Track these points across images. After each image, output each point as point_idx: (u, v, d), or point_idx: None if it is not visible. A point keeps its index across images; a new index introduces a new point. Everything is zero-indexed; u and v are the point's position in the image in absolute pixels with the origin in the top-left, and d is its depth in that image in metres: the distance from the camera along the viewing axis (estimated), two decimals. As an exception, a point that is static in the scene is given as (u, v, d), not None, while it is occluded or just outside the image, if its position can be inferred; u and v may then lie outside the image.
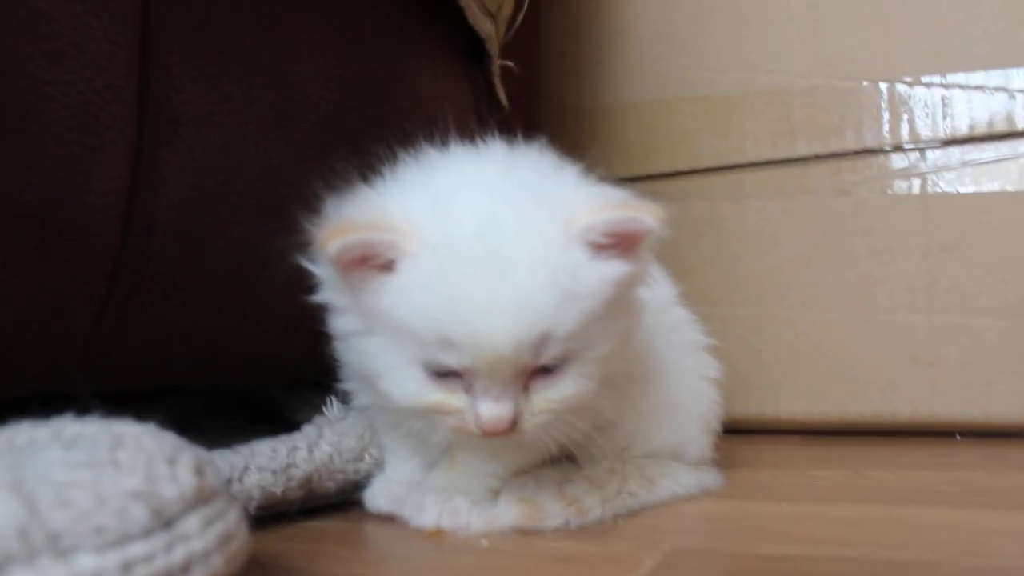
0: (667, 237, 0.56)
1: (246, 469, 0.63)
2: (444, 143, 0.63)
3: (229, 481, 0.61)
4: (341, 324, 0.61)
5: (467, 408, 0.57)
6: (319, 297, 0.62)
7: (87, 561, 0.36)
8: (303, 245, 0.59)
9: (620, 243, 0.56)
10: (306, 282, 0.61)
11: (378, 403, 0.66)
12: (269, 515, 0.64)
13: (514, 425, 0.56)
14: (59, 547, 0.35)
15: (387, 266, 0.55)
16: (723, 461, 0.80)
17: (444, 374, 0.56)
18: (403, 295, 0.54)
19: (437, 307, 0.53)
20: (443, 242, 0.54)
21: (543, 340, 0.54)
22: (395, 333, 0.56)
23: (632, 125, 1.17)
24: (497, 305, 0.53)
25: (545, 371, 0.57)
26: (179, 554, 0.39)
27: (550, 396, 0.57)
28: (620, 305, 0.58)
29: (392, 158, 0.62)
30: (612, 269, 0.56)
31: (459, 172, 0.59)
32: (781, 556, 0.56)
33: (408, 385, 0.57)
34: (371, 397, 0.66)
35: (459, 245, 0.53)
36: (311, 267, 0.60)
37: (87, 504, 0.37)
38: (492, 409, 0.56)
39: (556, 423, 0.59)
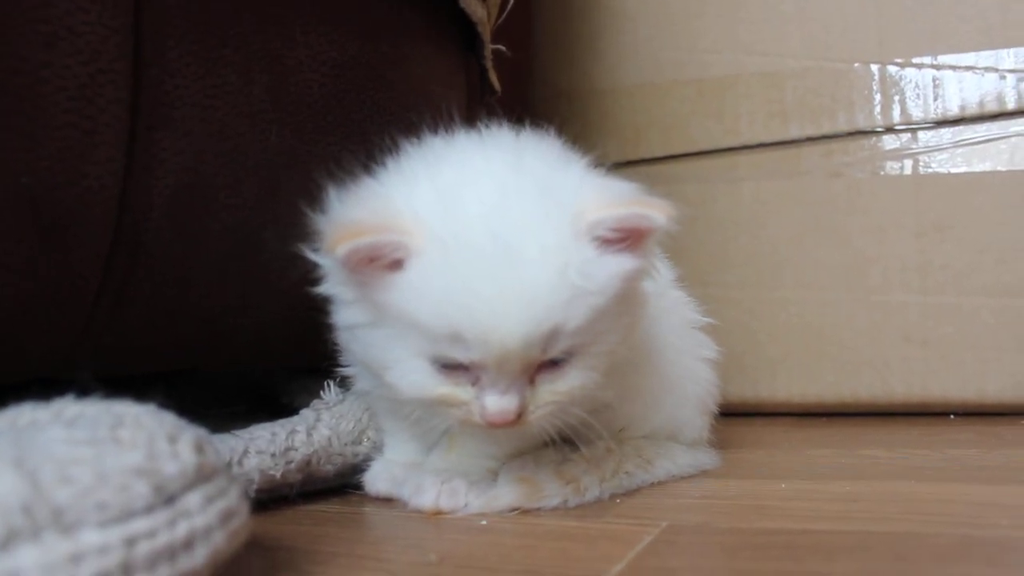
0: (673, 230, 0.56)
1: (245, 452, 0.63)
2: (448, 131, 0.62)
3: (229, 464, 0.61)
4: (346, 316, 0.60)
5: (473, 400, 0.56)
6: (324, 289, 0.61)
7: (91, 536, 0.36)
8: (307, 235, 0.59)
9: (627, 238, 0.55)
10: (302, 267, 0.61)
11: (379, 390, 0.66)
12: (269, 498, 0.65)
13: (519, 417, 0.56)
14: (63, 522, 0.36)
15: (395, 264, 0.54)
16: (719, 442, 0.81)
17: (451, 367, 0.56)
18: (412, 291, 0.54)
19: (447, 303, 0.53)
20: (452, 238, 0.53)
21: (552, 335, 0.54)
22: (403, 327, 0.56)
23: (626, 108, 1.17)
24: (507, 301, 0.52)
25: (551, 363, 0.57)
26: (181, 530, 0.39)
27: (556, 388, 0.57)
28: (626, 299, 0.58)
29: (393, 147, 0.62)
30: (619, 264, 0.55)
31: (465, 164, 0.58)
32: (778, 531, 0.56)
33: (415, 378, 0.57)
34: (372, 383, 0.66)
35: (468, 241, 0.53)
36: (315, 258, 0.60)
37: (89, 480, 0.37)
38: (498, 402, 0.56)
39: (559, 412, 0.59)
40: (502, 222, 0.53)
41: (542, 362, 0.56)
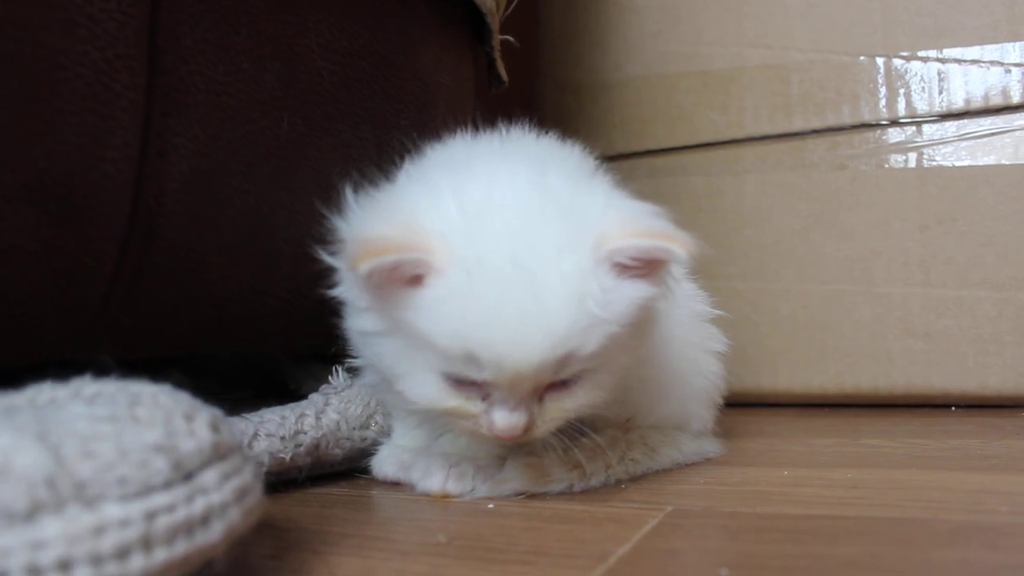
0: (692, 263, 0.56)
1: (255, 435, 0.64)
2: (466, 131, 0.62)
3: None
4: (360, 322, 0.60)
5: (482, 415, 0.57)
6: (338, 292, 0.61)
7: (113, 510, 0.37)
8: (319, 227, 0.59)
9: (645, 265, 0.56)
10: (315, 263, 0.61)
11: (386, 386, 0.66)
12: (279, 481, 0.66)
13: (527, 432, 0.58)
14: (85, 496, 0.37)
15: (415, 280, 0.54)
16: (722, 431, 0.81)
17: (463, 382, 0.57)
18: (430, 310, 0.54)
19: (464, 325, 0.53)
20: (474, 261, 0.53)
21: (565, 360, 0.55)
22: (417, 342, 0.56)
23: (631, 100, 1.18)
24: (525, 328, 0.53)
25: (561, 383, 0.58)
26: (199, 506, 0.40)
27: (563, 405, 0.59)
28: (639, 323, 0.59)
29: (413, 147, 0.62)
30: (636, 291, 0.56)
31: (490, 180, 0.58)
32: (780, 515, 0.57)
33: (426, 390, 0.58)
34: (380, 377, 0.67)
35: (490, 265, 0.53)
36: (331, 262, 0.60)
37: (111, 456, 0.38)
38: (507, 419, 0.56)
39: (564, 425, 0.60)
40: (524, 248, 0.53)
41: (552, 382, 0.57)
